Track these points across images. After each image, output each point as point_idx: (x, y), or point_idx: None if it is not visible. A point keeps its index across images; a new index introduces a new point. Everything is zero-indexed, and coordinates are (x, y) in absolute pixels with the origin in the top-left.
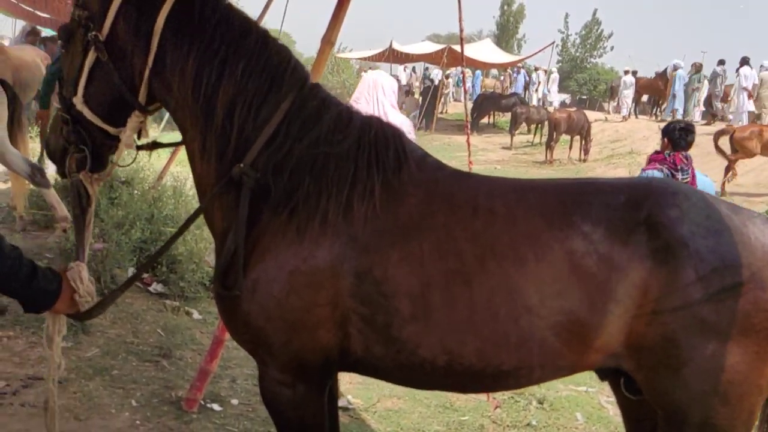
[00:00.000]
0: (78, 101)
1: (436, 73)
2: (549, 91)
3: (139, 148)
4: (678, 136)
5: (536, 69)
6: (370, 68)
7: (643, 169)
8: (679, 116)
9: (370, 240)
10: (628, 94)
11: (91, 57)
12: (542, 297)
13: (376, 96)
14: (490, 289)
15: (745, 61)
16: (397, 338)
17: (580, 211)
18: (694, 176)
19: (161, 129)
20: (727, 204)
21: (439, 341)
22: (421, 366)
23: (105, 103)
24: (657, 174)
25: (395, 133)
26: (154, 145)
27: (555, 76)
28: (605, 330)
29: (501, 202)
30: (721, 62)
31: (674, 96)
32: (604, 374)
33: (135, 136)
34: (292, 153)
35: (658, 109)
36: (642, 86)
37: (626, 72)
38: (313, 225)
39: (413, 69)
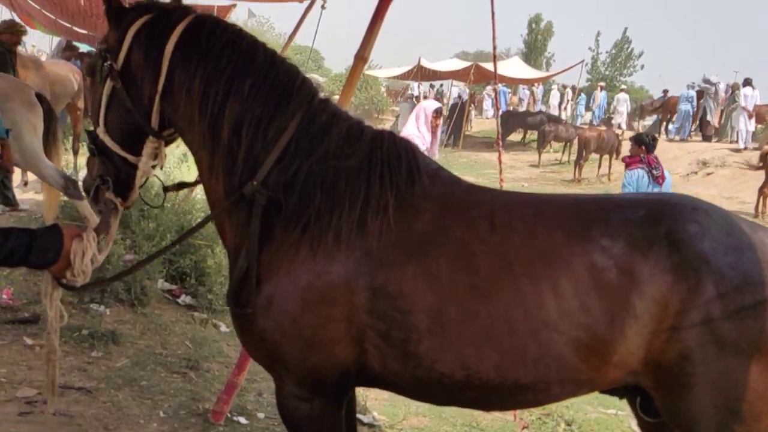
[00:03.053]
0: (100, 131)
1: (454, 91)
2: (616, 111)
3: (166, 189)
4: (650, 143)
5: (565, 87)
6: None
7: (629, 169)
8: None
9: (385, 255)
10: (622, 111)
11: (108, 86)
12: (561, 312)
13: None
14: (508, 303)
15: (747, 82)
16: (414, 353)
17: (598, 225)
18: (663, 171)
19: None
20: (745, 221)
21: (456, 356)
22: (439, 381)
23: (123, 130)
24: (642, 172)
25: (408, 147)
26: (180, 186)
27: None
28: (624, 346)
29: (519, 217)
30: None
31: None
32: (621, 393)
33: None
34: (302, 168)
35: (690, 129)
36: (672, 105)
37: (621, 90)
38: (327, 240)
39: (430, 85)
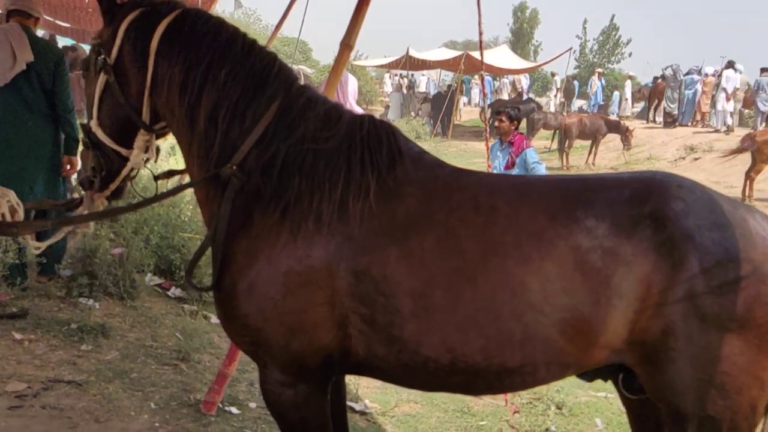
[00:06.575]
0: (93, 124)
1: (422, 80)
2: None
3: (156, 177)
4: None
5: (554, 75)
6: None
7: (526, 148)
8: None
9: (367, 239)
10: (628, 98)
11: (101, 80)
12: (546, 294)
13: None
14: (493, 286)
15: (730, 64)
16: (399, 338)
17: (583, 206)
18: (514, 159)
19: None
20: (727, 198)
21: (441, 340)
22: (424, 365)
23: (115, 124)
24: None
25: (389, 131)
26: (170, 174)
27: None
28: (609, 326)
29: (503, 199)
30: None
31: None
32: (606, 373)
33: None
34: (280, 152)
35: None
36: (660, 92)
37: (629, 77)
38: (307, 224)
39: (400, 75)
